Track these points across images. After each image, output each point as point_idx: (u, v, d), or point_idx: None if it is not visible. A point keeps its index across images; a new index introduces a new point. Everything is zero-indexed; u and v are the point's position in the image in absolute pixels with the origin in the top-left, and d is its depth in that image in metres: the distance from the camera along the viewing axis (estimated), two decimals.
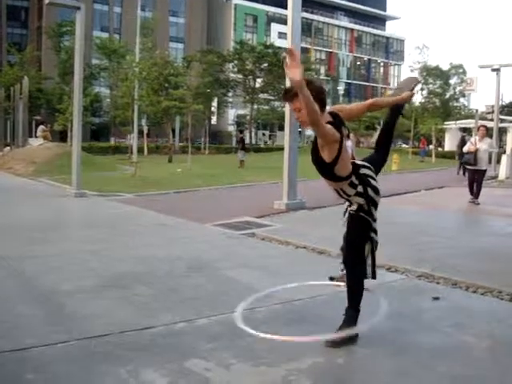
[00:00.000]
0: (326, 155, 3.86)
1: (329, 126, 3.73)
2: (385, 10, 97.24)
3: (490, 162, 20.88)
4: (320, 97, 3.79)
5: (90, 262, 6.58)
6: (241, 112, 64.57)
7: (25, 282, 5.82)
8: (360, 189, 4.03)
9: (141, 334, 4.21)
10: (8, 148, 31.48)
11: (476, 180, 13.55)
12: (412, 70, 46.06)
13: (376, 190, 4.10)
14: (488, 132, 15.07)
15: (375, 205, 4.12)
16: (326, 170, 3.96)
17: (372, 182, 4.10)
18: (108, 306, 4.87)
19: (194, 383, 3.37)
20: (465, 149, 14.07)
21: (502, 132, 35.93)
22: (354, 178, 4.01)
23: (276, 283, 5.61)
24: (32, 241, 7.88)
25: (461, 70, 44.37)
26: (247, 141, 60.09)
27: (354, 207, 4.10)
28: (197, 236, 8.69)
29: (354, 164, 4.07)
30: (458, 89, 44.98)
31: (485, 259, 7.23)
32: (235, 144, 47.12)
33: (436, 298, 5.19)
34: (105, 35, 56.08)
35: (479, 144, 13.49)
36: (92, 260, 6.72)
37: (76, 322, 4.47)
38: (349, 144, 16.36)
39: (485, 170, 13.89)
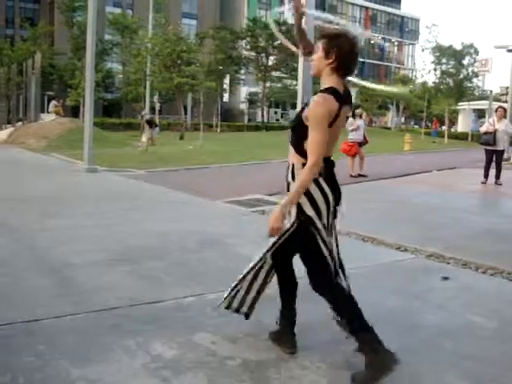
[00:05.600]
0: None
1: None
2: None
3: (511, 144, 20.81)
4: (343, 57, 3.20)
5: (101, 236, 6.62)
6: (253, 90, 64.19)
7: (37, 254, 5.87)
8: None
9: (150, 307, 4.25)
10: (20, 123, 31.55)
11: (495, 160, 13.61)
12: (423, 50, 45.66)
13: None
14: (506, 113, 15.10)
15: None
16: None
17: None
18: (118, 280, 4.91)
19: (201, 356, 3.40)
20: (483, 129, 14.12)
21: None
22: None
23: None
24: (44, 214, 7.93)
25: (472, 50, 43.84)
26: (259, 119, 59.92)
27: None
28: (208, 212, 8.71)
29: None
30: (471, 69, 44.51)
31: (495, 240, 7.21)
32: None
33: (445, 278, 5.19)
34: (117, 11, 55.60)
35: (498, 125, 13.54)
36: (103, 234, 6.76)
37: (86, 294, 4.51)
38: (360, 123, 16.29)
39: (503, 150, 14.09)
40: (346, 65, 3.23)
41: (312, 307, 4.27)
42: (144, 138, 25.08)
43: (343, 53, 3.18)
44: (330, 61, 3.20)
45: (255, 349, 3.54)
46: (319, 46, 3.24)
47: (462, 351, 3.59)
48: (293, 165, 3.30)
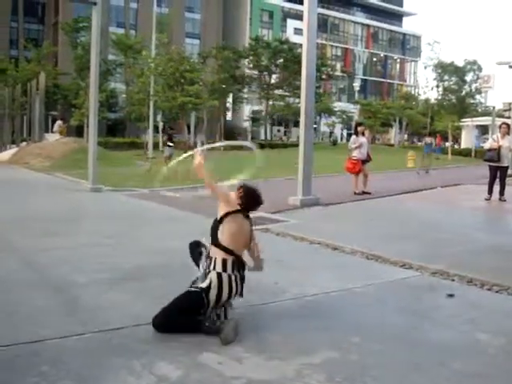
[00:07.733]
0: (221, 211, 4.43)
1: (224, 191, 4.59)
2: (401, 6, 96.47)
3: None
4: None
5: (106, 255, 6.62)
6: (256, 108, 64.47)
7: (41, 274, 5.87)
8: (225, 277, 4.17)
9: None
10: (25, 143, 31.70)
11: (500, 177, 13.57)
12: (425, 67, 45.75)
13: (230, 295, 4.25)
14: (510, 129, 15.06)
15: (218, 301, 4.18)
16: (215, 229, 4.37)
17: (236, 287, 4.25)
18: (123, 299, 4.91)
19: (207, 376, 3.39)
20: (487, 146, 14.12)
21: None
22: (231, 262, 4.22)
23: (290, 278, 5.64)
24: (48, 233, 7.95)
25: (475, 67, 43.93)
26: (262, 137, 60.07)
27: (207, 282, 4.18)
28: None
29: (240, 261, 4.30)
30: (474, 86, 44.57)
31: (500, 257, 7.18)
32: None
33: (450, 295, 5.17)
34: (121, 31, 56.13)
35: (501, 141, 13.51)
36: (107, 253, 6.77)
37: (91, 314, 4.51)
38: (363, 141, 16.19)
39: (507, 167, 14.00)
40: None
41: (318, 325, 4.26)
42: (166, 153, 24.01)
43: None
44: None
45: (261, 368, 3.52)
46: None
47: (469, 369, 3.56)
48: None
